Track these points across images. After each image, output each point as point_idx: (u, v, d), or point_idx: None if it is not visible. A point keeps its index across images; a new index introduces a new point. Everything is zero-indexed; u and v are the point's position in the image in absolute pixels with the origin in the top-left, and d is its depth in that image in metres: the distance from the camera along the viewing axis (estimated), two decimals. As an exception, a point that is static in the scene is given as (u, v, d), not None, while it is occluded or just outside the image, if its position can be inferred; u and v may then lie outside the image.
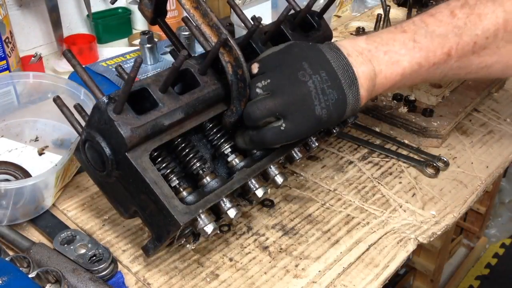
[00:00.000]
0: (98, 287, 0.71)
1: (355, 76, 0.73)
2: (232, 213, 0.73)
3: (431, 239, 0.84)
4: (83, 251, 0.78)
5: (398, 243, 0.82)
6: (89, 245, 0.79)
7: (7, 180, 0.86)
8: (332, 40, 0.86)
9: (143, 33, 1.24)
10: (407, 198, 0.92)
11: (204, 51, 0.79)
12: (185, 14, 0.82)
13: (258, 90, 0.72)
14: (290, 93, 0.71)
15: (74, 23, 1.47)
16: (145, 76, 1.14)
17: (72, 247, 0.78)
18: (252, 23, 0.77)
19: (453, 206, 0.90)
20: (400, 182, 0.96)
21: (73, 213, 0.89)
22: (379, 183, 0.96)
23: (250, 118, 0.72)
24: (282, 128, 0.71)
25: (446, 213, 0.89)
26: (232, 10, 1.09)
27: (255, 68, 0.74)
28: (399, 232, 0.84)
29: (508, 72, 0.85)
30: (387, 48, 0.77)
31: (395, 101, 1.11)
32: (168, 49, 1.30)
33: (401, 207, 0.90)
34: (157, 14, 0.85)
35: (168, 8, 1.26)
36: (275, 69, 0.73)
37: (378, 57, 0.76)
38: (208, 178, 0.74)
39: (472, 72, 0.83)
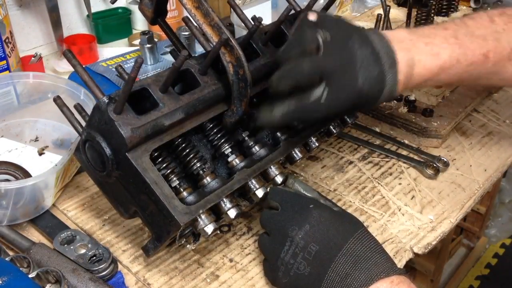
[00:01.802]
0: (98, 287, 0.71)
1: (395, 59, 0.73)
2: (232, 213, 0.73)
3: (426, 250, 0.84)
4: (83, 251, 0.78)
5: (394, 255, 0.82)
6: (89, 245, 0.79)
7: (7, 180, 0.86)
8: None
9: (143, 33, 1.23)
10: (406, 200, 0.92)
11: (204, 51, 0.79)
12: (185, 14, 0.82)
13: (318, 36, 0.70)
14: (340, 56, 0.70)
15: (74, 23, 1.47)
16: (145, 76, 1.14)
17: (72, 247, 0.78)
18: (252, 23, 0.77)
19: (451, 210, 0.90)
20: (400, 183, 0.96)
21: (73, 213, 0.88)
22: (379, 183, 0.96)
23: (298, 72, 0.70)
24: (324, 97, 0.70)
25: (443, 218, 0.89)
26: (232, 10, 1.09)
27: (313, 16, 0.72)
28: (396, 242, 0.84)
29: None
30: (428, 40, 0.77)
31: (395, 101, 1.10)
32: (168, 49, 1.30)
33: (400, 210, 0.90)
34: (157, 14, 0.85)
35: (168, 8, 1.26)
36: (332, 28, 0.72)
37: (419, 47, 0.76)
38: (208, 178, 0.74)
39: (506, 79, 0.84)
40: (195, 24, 0.77)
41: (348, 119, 0.92)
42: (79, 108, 0.75)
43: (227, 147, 0.79)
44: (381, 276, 0.65)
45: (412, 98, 1.10)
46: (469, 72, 0.80)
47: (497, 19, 0.81)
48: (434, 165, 0.98)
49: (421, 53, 0.76)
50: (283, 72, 0.72)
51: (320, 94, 0.70)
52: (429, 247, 0.84)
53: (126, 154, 0.66)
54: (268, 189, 0.77)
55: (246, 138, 0.80)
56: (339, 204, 0.91)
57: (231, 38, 0.71)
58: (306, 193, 0.79)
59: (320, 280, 0.66)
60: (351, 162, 1.01)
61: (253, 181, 0.76)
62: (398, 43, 0.74)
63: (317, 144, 0.85)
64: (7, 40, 1.14)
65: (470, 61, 0.78)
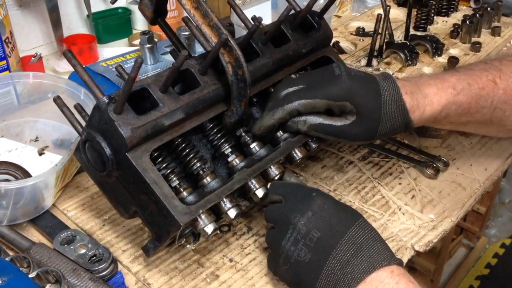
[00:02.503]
0: (98, 287, 0.71)
1: (404, 104, 0.79)
2: (232, 213, 0.73)
3: (427, 248, 0.84)
4: (83, 251, 0.78)
5: (395, 253, 0.81)
6: (89, 245, 0.79)
7: (7, 180, 0.86)
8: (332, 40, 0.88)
9: (143, 33, 1.24)
10: (407, 200, 0.92)
11: (204, 51, 0.79)
12: (185, 14, 0.81)
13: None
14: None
15: (74, 23, 1.47)
16: (145, 76, 1.14)
17: (72, 247, 0.78)
18: (252, 23, 0.77)
19: (451, 209, 0.90)
20: (400, 183, 0.96)
21: (73, 213, 0.88)
22: (379, 183, 0.96)
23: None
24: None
25: (444, 217, 0.89)
26: (232, 10, 1.09)
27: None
28: (397, 240, 0.84)
29: None
30: (431, 82, 0.83)
31: (395, 101, 1.10)
32: (168, 49, 1.30)
33: (400, 209, 0.90)
34: (157, 14, 0.85)
35: (168, 8, 1.26)
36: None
37: (424, 86, 0.82)
38: (208, 178, 0.74)
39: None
40: (195, 25, 0.77)
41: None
42: (79, 108, 0.75)
43: (227, 147, 0.79)
44: (382, 264, 0.65)
45: (412, 98, 1.10)
46: (482, 97, 0.82)
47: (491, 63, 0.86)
48: (434, 165, 0.98)
49: (427, 89, 0.81)
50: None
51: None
52: (430, 245, 0.84)
53: (126, 154, 0.66)
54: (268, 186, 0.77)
55: (243, 133, 0.80)
56: (339, 204, 0.91)
57: (230, 39, 0.71)
58: None
59: (320, 267, 0.66)
60: (351, 162, 1.01)
61: (253, 181, 0.76)
62: (403, 83, 0.81)
63: (317, 144, 0.85)
64: (7, 40, 1.14)
65: (479, 85, 0.82)
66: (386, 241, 0.83)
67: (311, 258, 0.67)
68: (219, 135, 0.79)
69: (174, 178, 0.73)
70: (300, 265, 0.68)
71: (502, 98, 0.83)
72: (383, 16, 1.22)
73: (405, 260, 0.81)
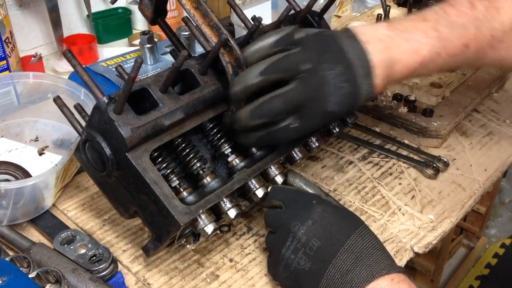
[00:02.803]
0: (98, 287, 0.71)
1: (370, 66, 0.72)
2: (232, 213, 0.73)
3: (427, 250, 0.84)
4: (83, 251, 0.78)
5: (394, 255, 0.82)
6: (89, 245, 0.79)
7: (7, 180, 0.86)
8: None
9: (143, 33, 1.24)
10: (406, 200, 0.92)
11: (204, 51, 0.79)
12: (185, 14, 0.81)
13: (301, 68, 0.69)
14: (311, 85, 0.69)
15: (74, 23, 1.47)
16: (145, 76, 1.14)
17: (72, 247, 0.78)
18: (252, 23, 0.77)
19: (451, 210, 0.90)
20: (400, 183, 0.96)
21: (73, 213, 0.88)
22: (379, 183, 0.96)
23: (272, 113, 0.70)
24: (295, 125, 0.71)
25: (443, 217, 0.89)
26: (232, 10, 1.09)
27: (302, 33, 0.71)
28: (396, 242, 0.84)
29: None
30: (408, 36, 0.76)
31: (395, 101, 1.11)
32: (168, 49, 1.30)
33: (400, 210, 0.90)
34: (157, 14, 0.85)
35: (168, 8, 1.26)
36: (310, 52, 0.70)
37: (399, 45, 0.75)
38: (208, 178, 0.74)
39: (486, 64, 0.84)
40: (195, 25, 0.77)
41: (348, 119, 0.92)
42: (79, 108, 0.75)
43: (227, 147, 0.79)
44: (382, 273, 0.65)
45: (412, 98, 1.10)
46: (449, 63, 0.79)
47: (478, 3, 0.79)
48: (434, 165, 0.98)
49: (401, 52, 0.75)
50: (253, 112, 0.71)
51: (291, 121, 0.71)
52: (430, 247, 0.84)
53: (126, 154, 0.66)
54: (268, 189, 0.77)
55: None
56: (339, 204, 0.91)
57: (230, 39, 0.71)
58: (307, 189, 0.79)
59: (320, 275, 0.66)
60: (351, 162, 1.01)
61: (253, 181, 0.76)
62: (377, 43, 0.73)
63: (317, 144, 0.85)
64: (7, 40, 1.14)
65: (450, 53, 0.77)
66: (386, 242, 0.83)
67: (311, 267, 0.67)
68: (219, 135, 0.79)
69: (174, 178, 0.73)
70: (300, 274, 0.68)
71: (471, 58, 0.80)
72: (383, 16, 1.22)
73: (404, 261, 0.81)
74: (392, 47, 0.74)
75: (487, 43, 0.79)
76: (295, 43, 0.71)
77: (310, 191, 0.79)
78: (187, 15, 0.77)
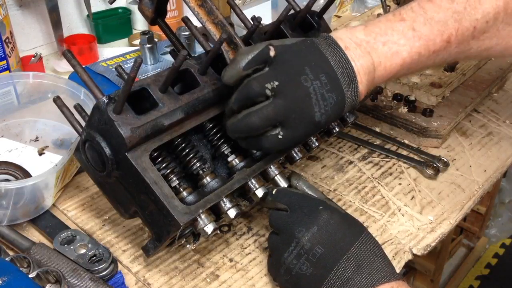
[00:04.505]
0: (98, 287, 0.71)
1: (354, 73, 0.71)
2: (232, 213, 0.73)
3: (425, 252, 0.84)
4: (83, 251, 0.78)
5: (393, 256, 0.82)
6: (89, 245, 0.79)
7: (7, 180, 0.86)
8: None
9: (143, 33, 1.24)
10: (406, 201, 0.92)
11: (204, 51, 0.79)
12: (185, 14, 0.81)
13: (267, 92, 0.67)
14: (293, 100, 0.68)
15: (74, 23, 1.47)
16: (145, 76, 1.14)
17: (72, 247, 0.78)
18: (252, 23, 0.77)
19: (450, 211, 0.90)
20: (400, 184, 0.96)
21: (73, 213, 0.89)
22: (379, 183, 0.96)
23: (250, 129, 0.69)
24: (280, 136, 0.69)
25: (442, 219, 0.89)
26: (232, 10, 1.09)
27: (272, 51, 0.69)
28: (396, 243, 0.84)
29: (507, 52, 0.84)
30: (386, 39, 0.74)
31: (395, 101, 1.11)
32: (168, 49, 1.30)
33: (399, 210, 0.90)
34: (157, 14, 0.85)
35: (168, 8, 1.26)
36: (282, 68, 0.69)
37: (377, 49, 0.74)
38: (208, 178, 0.74)
39: (471, 56, 0.82)
40: (198, 23, 0.76)
41: (348, 118, 0.92)
42: (79, 108, 0.75)
43: (226, 147, 0.79)
44: (382, 281, 0.65)
45: (412, 98, 1.10)
46: (433, 60, 0.78)
47: None
48: (434, 165, 0.98)
49: (380, 55, 0.74)
50: (234, 126, 0.71)
51: (277, 132, 0.69)
52: (428, 249, 0.84)
53: (126, 154, 0.66)
54: (268, 189, 0.77)
55: None
56: (339, 204, 0.91)
57: (235, 36, 0.71)
58: (310, 192, 0.79)
59: (321, 282, 0.66)
60: (351, 162, 1.01)
61: (253, 181, 0.76)
62: (355, 49, 0.72)
63: (317, 144, 0.85)
64: (7, 40, 1.14)
65: (432, 51, 0.76)
66: (385, 244, 0.83)
67: (312, 273, 0.67)
68: (219, 135, 0.79)
69: (174, 178, 0.73)
70: (301, 278, 0.68)
71: (454, 52, 0.79)
72: (383, 16, 1.22)
73: (402, 263, 0.81)
74: (372, 51, 0.74)
75: (470, 35, 0.77)
76: (267, 61, 0.69)
77: (313, 195, 0.79)
78: (192, 13, 0.76)
